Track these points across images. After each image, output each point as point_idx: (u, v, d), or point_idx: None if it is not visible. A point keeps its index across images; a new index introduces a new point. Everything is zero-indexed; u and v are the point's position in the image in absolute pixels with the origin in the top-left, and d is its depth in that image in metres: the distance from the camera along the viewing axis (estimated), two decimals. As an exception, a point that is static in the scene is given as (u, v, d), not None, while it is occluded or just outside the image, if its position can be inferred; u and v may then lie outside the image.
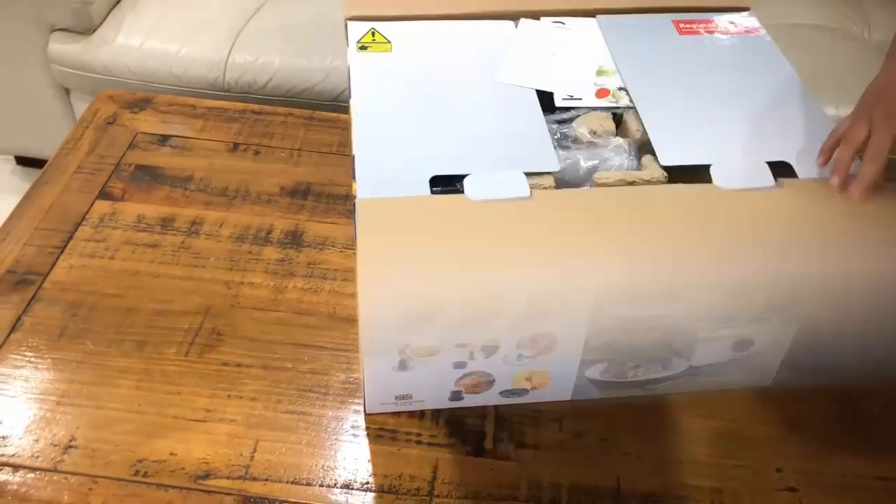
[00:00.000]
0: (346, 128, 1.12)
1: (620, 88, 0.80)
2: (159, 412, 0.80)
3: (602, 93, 0.79)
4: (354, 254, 0.67)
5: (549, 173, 0.69)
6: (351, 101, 0.76)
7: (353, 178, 0.68)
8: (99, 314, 0.89)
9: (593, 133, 0.76)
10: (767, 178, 0.70)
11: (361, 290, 0.65)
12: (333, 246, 0.98)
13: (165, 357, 0.85)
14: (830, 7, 1.67)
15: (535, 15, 0.87)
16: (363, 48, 0.81)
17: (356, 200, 0.66)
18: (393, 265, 0.65)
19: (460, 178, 0.68)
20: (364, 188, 0.67)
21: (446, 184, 0.69)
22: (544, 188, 0.68)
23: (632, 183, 0.70)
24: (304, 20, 1.59)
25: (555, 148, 0.73)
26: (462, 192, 0.67)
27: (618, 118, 0.78)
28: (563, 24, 0.86)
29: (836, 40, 1.59)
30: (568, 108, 0.78)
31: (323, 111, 1.19)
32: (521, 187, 0.67)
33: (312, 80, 1.52)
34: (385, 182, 0.68)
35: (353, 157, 0.70)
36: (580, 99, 0.79)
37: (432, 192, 0.67)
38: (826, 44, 1.57)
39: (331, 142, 1.13)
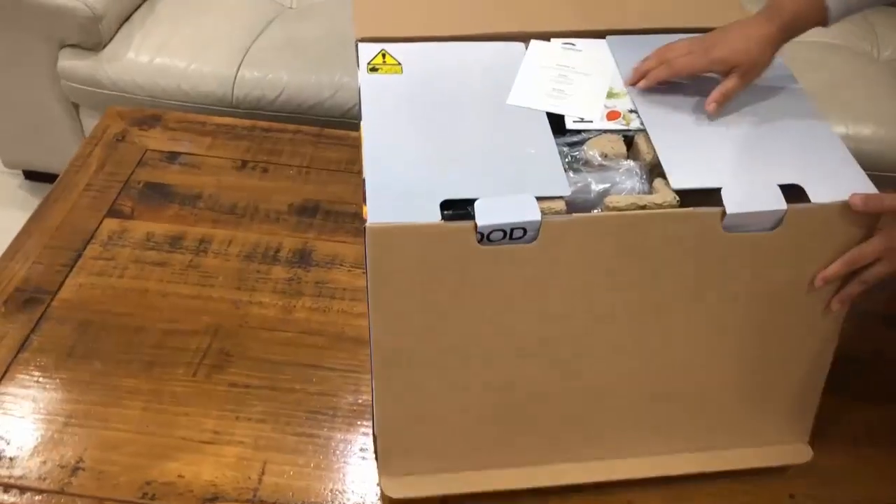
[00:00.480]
0: (354, 145, 1.12)
1: (631, 111, 0.79)
2: (167, 433, 0.80)
3: (613, 115, 0.79)
4: (363, 273, 0.66)
5: (559, 197, 0.69)
6: (361, 123, 0.76)
7: (364, 201, 0.68)
8: (107, 333, 0.89)
9: (604, 156, 0.75)
10: (779, 201, 0.70)
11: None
12: (342, 265, 0.98)
13: (174, 377, 0.85)
14: (840, 25, 1.66)
15: (546, 37, 0.87)
16: (374, 70, 0.81)
17: (366, 225, 0.65)
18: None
19: (471, 201, 0.68)
20: (375, 212, 0.66)
21: (457, 207, 0.68)
22: (555, 212, 0.68)
23: (643, 207, 0.70)
24: (314, 37, 1.59)
25: (566, 171, 0.72)
26: (473, 216, 0.67)
27: (629, 141, 0.78)
28: (574, 45, 0.86)
29: (845, 58, 1.58)
30: (578, 131, 0.78)
31: (332, 127, 1.19)
32: (532, 211, 0.67)
33: (321, 96, 1.52)
34: (395, 206, 0.67)
35: (363, 180, 0.70)
36: (591, 121, 0.78)
37: (443, 217, 0.67)
38: (836, 61, 1.56)
39: (339, 159, 1.13)
